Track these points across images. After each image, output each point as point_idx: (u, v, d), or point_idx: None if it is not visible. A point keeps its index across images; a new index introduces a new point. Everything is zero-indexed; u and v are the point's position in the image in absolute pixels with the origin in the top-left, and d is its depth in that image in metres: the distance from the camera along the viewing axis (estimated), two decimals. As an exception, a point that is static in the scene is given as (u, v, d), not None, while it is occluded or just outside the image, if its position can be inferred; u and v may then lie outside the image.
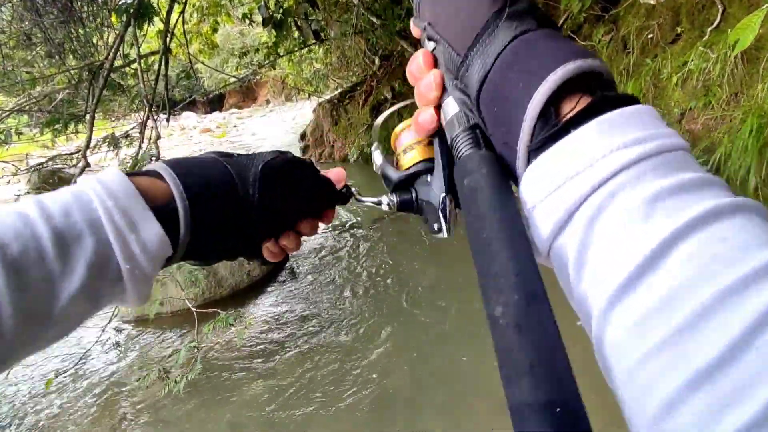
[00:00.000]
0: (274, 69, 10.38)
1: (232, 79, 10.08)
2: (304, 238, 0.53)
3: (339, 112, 8.38)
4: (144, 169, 0.40)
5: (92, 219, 0.34)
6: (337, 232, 5.23)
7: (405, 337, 3.19)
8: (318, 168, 0.52)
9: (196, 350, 2.86)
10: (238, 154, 0.47)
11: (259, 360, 3.26)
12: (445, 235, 0.42)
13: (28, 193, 8.56)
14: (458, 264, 3.81)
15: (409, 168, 0.46)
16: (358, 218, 5.45)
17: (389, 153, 0.51)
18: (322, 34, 7.24)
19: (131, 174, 0.38)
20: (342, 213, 5.75)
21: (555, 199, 0.28)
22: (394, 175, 0.47)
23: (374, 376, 2.89)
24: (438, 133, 0.40)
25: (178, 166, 0.41)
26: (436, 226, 0.43)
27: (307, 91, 10.14)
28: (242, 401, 2.92)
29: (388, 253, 4.46)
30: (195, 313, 3.33)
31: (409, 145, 0.46)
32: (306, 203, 0.50)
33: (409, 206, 0.46)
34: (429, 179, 0.44)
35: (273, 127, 15.19)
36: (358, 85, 8.54)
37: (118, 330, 3.99)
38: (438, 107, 0.38)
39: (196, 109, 24.43)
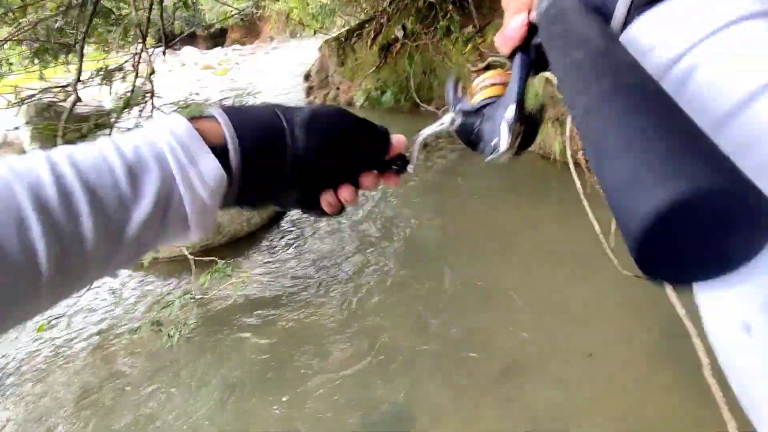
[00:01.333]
0: (278, 1, 9.76)
1: (234, 11, 9.50)
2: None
3: (346, 51, 7.91)
4: (204, 113, 0.44)
5: (158, 154, 0.38)
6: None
7: (405, 294, 3.08)
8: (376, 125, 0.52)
9: (192, 300, 2.75)
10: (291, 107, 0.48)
11: (257, 312, 3.16)
12: (504, 148, 0.42)
13: (27, 123, 8.33)
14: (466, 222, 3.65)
15: (480, 101, 0.47)
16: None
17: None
18: (330, -37, 6.69)
19: (192, 118, 0.43)
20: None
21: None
22: (465, 106, 0.48)
23: (372, 333, 2.80)
24: (520, 48, 0.41)
25: (232, 110, 0.44)
26: (493, 143, 0.43)
27: (312, 27, 9.56)
28: (238, 353, 2.85)
29: (391, 199, 4.28)
30: (192, 260, 3.21)
31: (484, 86, 0.48)
32: (361, 155, 0.51)
33: (469, 130, 0.47)
34: (495, 109, 0.45)
35: (277, 65, 14.58)
36: (366, 23, 8.00)
37: (112, 275, 3.90)
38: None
39: (197, 43, 23.51)
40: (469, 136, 0.48)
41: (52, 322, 3.25)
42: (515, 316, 2.73)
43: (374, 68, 7.21)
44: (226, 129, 0.42)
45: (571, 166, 2.33)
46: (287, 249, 3.90)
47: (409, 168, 0.53)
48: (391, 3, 7.45)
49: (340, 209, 0.52)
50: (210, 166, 0.40)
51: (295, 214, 4.45)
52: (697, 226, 0.18)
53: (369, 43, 7.38)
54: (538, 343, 2.53)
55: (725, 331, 0.25)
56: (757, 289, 0.21)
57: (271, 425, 2.35)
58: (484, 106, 0.46)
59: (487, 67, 5.04)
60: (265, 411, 2.43)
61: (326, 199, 0.50)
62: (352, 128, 0.49)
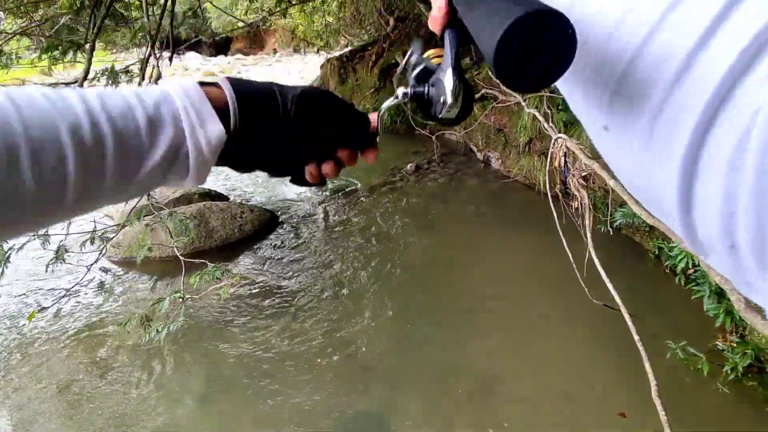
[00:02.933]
0: (285, 18, 10.01)
1: (240, 23, 9.72)
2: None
3: (347, 71, 8.14)
4: (211, 81, 0.50)
5: (174, 112, 0.44)
6: (334, 195, 5.17)
7: (386, 308, 3.20)
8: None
9: (180, 300, 2.84)
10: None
11: (242, 315, 3.26)
12: (450, 100, 0.50)
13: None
14: (446, 228, 3.80)
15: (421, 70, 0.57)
16: (356, 184, 5.38)
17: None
18: (339, -13, 6.95)
19: (201, 84, 0.48)
20: (337, 178, 5.68)
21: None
22: (410, 77, 0.58)
23: (357, 341, 2.91)
24: (447, 26, 0.50)
25: (234, 80, 0.51)
26: (442, 100, 0.51)
27: (316, 44, 9.82)
28: (222, 354, 2.93)
29: (381, 218, 4.42)
30: (183, 261, 3.30)
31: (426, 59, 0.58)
32: (343, 132, 0.57)
33: (420, 97, 0.56)
34: (437, 75, 0.54)
35: (278, 78, 14.80)
36: (369, 45, 8.26)
37: (105, 270, 3.96)
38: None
39: (201, 50, 23.70)
40: (422, 103, 0.56)
41: (43, 312, 3.30)
42: (490, 335, 2.87)
43: (373, 89, 7.44)
44: (228, 96, 0.48)
45: (549, 197, 2.50)
46: (276, 258, 4.00)
47: (378, 139, 0.61)
48: (394, 29, 7.73)
49: (322, 181, 0.58)
50: (215, 128, 0.46)
51: (285, 226, 4.57)
52: (527, 45, 0.30)
53: (370, 65, 7.62)
54: (509, 364, 2.66)
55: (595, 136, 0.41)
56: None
57: (248, 426, 2.44)
58: (426, 71, 0.57)
59: (482, 97, 5.27)
60: (243, 412, 2.52)
61: (309, 170, 0.56)
62: (337, 107, 0.55)
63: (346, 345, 2.91)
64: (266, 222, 4.53)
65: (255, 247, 4.23)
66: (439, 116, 0.53)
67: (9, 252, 2.89)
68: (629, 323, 1.83)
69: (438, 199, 4.81)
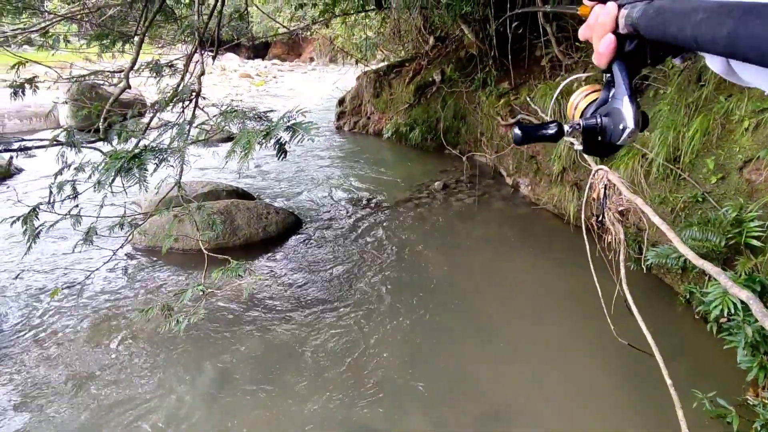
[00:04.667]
0: (327, 27, 10.19)
1: (282, 30, 9.93)
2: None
3: (383, 84, 8.21)
4: None
5: None
6: (359, 207, 5.17)
7: (408, 315, 3.15)
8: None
9: (202, 293, 2.85)
10: None
11: (258, 315, 3.25)
12: (631, 125, 0.56)
13: (65, 102, 8.64)
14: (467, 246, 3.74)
15: (586, 107, 0.65)
16: (382, 196, 5.38)
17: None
18: (383, 2, 7.05)
19: None
20: (364, 189, 5.70)
21: None
22: (576, 120, 0.65)
23: (369, 352, 2.86)
24: (615, 58, 0.56)
25: None
26: (621, 126, 0.57)
27: (354, 56, 9.95)
28: (236, 350, 2.92)
29: (403, 233, 4.40)
30: (206, 255, 3.32)
31: (581, 99, 0.66)
32: None
33: (592, 129, 0.62)
34: (609, 105, 0.60)
35: (312, 86, 15.05)
36: (407, 62, 8.34)
37: (130, 256, 4.02)
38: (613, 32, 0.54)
39: (239, 52, 24.31)
40: (594, 135, 0.62)
41: (66, 290, 3.35)
42: (506, 360, 2.79)
43: (407, 105, 7.48)
44: None
45: (584, 231, 2.45)
46: (296, 262, 4.01)
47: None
48: (433, 48, 7.79)
49: None
50: None
51: (308, 231, 4.58)
52: None
53: (406, 80, 7.68)
54: (522, 392, 2.58)
55: None
56: None
57: (260, 424, 2.41)
58: (594, 111, 0.63)
59: (517, 123, 5.24)
60: (252, 410, 2.49)
61: None
62: None
63: (357, 355, 2.87)
64: (290, 225, 4.55)
65: (277, 248, 4.24)
66: (618, 143, 0.59)
67: (39, 229, 2.95)
68: (662, 367, 1.76)
69: (463, 219, 4.77)
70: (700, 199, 3.06)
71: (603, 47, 0.54)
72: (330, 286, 3.61)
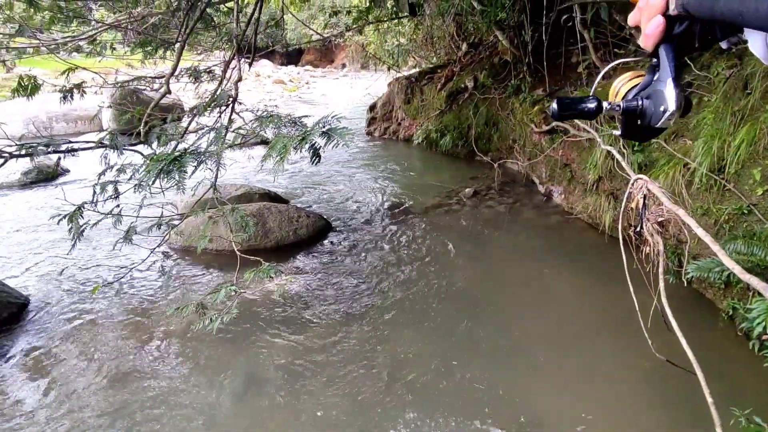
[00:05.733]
0: (360, 34, 10.30)
1: (316, 37, 10.10)
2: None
3: (414, 91, 8.23)
4: None
5: None
6: (388, 212, 5.18)
7: (438, 324, 3.13)
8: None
9: (234, 293, 2.91)
10: None
11: (287, 317, 3.29)
12: (673, 107, 0.56)
13: (109, 106, 9.01)
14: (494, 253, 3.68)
15: (628, 90, 0.65)
16: (411, 202, 5.37)
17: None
18: (417, 9, 7.08)
19: None
20: (393, 195, 5.70)
21: None
22: (616, 102, 0.66)
23: (396, 359, 2.85)
24: (661, 41, 0.56)
25: None
26: (662, 108, 0.58)
27: (386, 63, 10.01)
28: (265, 351, 2.97)
29: (432, 240, 4.37)
30: (239, 256, 3.39)
31: (624, 83, 0.67)
32: None
33: (632, 112, 0.63)
34: (652, 87, 0.60)
35: (343, 92, 15.21)
36: (439, 68, 8.33)
37: (166, 255, 4.15)
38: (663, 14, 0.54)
39: (273, 58, 24.82)
40: (634, 118, 0.63)
41: (106, 287, 3.48)
42: (535, 373, 2.73)
43: (439, 111, 7.46)
44: None
45: (621, 242, 2.37)
46: (326, 266, 4.04)
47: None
48: (466, 54, 7.76)
49: None
50: None
51: (338, 236, 4.61)
52: None
53: (438, 87, 7.67)
54: (553, 406, 2.52)
55: None
56: None
57: (280, 427, 2.43)
58: (636, 95, 0.63)
59: (551, 130, 5.15)
60: (278, 412, 2.52)
61: None
62: None
63: (385, 362, 2.86)
64: (321, 229, 4.59)
65: (307, 252, 4.29)
66: (657, 125, 0.59)
67: (83, 227, 3.08)
68: (703, 385, 1.68)
69: (493, 227, 4.71)
70: (746, 212, 2.93)
71: (651, 28, 0.55)
72: (359, 290, 3.63)
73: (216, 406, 2.57)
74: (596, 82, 0.78)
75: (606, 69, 0.81)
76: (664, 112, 0.57)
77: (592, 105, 0.66)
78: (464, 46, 7.91)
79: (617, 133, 0.70)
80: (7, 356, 2.98)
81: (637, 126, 0.63)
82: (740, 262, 2.61)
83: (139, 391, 2.66)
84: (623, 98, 0.65)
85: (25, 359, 2.94)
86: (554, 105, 0.67)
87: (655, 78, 0.60)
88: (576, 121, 4.42)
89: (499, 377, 2.74)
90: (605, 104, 0.65)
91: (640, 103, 0.62)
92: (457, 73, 7.39)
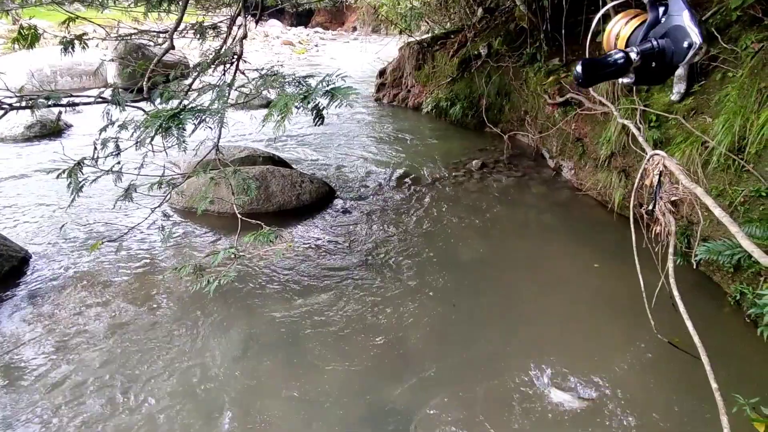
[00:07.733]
0: (372, -5, 9.93)
1: (327, -3, 9.73)
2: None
3: (425, 56, 7.98)
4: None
5: None
6: (394, 182, 5.09)
7: (438, 295, 3.10)
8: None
9: (233, 256, 2.87)
10: None
11: (287, 282, 3.27)
12: (698, 40, 0.51)
13: (112, 60, 8.82)
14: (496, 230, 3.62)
15: (632, 30, 0.60)
16: (417, 172, 5.27)
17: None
18: (432, -31, 6.76)
19: None
20: (399, 164, 5.60)
21: None
22: (624, 48, 0.60)
23: (397, 328, 2.84)
24: None
25: None
26: (686, 44, 0.52)
27: (398, 26, 9.68)
28: (263, 314, 2.96)
29: (438, 211, 4.30)
30: (240, 219, 3.34)
31: (623, 25, 0.61)
32: None
33: (649, 53, 0.57)
34: (665, 26, 0.54)
35: (353, 56, 14.84)
36: (452, 33, 8.05)
37: (166, 215, 4.11)
38: None
39: (282, 19, 24.19)
40: (649, 60, 0.57)
41: (104, 246, 3.45)
42: (537, 348, 2.71)
43: (450, 79, 7.25)
44: None
45: (632, 220, 2.29)
46: (328, 232, 3.99)
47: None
48: (481, 20, 7.47)
49: None
50: None
51: (342, 203, 4.54)
52: None
53: (450, 53, 7.42)
54: (552, 380, 2.50)
55: None
56: None
57: (281, 388, 2.43)
58: (644, 37, 0.57)
59: (565, 102, 4.98)
60: (277, 373, 2.52)
61: None
62: None
63: (385, 330, 2.85)
64: (324, 195, 4.53)
65: (309, 217, 4.24)
66: (684, 61, 0.54)
67: (82, 183, 3.02)
68: (708, 370, 1.64)
69: (500, 201, 4.62)
70: (764, 194, 2.83)
71: None
72: (360, 258, 3.59)
73: (213, 364, 2.57)
74: (593, 24, 0.72)
75: (597, 18, 0.75)
76: (689, 47, 0.52)
77: (620, 58, 0.58)
78: (480, 11, 7.60)
79: (627, 81, 0.63)
80: (8, 309, 2.98)
81: (651, 69, 0.58)
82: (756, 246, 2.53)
83: (136, 348, 2.67)
84: (626, 44, 0.60)
85: (25, 312, 2.95)
86: (578, 68, 0.59)
87: (662, 14, 0.55)
88: (591, 92, 4.25)
89: (499, 349, 2.72)
90: (633, 55, 0.58)
91: (654, 44, 0.56)
92: (471, 40, 7.13)
